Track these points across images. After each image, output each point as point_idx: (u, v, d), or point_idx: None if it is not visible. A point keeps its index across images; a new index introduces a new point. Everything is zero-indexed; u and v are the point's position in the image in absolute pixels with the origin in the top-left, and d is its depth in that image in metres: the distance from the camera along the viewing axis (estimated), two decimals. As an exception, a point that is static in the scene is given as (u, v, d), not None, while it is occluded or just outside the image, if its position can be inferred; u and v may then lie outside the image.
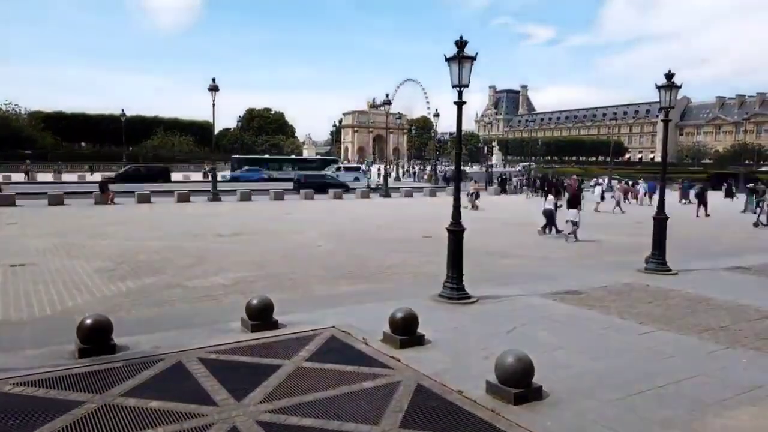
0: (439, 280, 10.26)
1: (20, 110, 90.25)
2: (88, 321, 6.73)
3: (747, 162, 74.28)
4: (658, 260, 12.92)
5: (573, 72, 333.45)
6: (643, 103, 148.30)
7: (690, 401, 5.66)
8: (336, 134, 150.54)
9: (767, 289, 11.13)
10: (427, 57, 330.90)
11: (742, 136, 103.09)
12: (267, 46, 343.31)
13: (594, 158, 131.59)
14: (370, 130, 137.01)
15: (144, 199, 29.70)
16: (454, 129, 10.40)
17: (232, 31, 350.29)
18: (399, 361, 6.66)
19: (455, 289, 9.78)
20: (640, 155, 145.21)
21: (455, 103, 9.71)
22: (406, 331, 7.27)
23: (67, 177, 50.09)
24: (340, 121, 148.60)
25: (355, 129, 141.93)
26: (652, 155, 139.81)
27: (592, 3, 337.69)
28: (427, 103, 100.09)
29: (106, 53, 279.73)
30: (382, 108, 74.55)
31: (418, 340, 7.31)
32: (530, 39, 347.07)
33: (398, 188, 43.10)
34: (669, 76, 12.76)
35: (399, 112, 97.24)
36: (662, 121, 13.37)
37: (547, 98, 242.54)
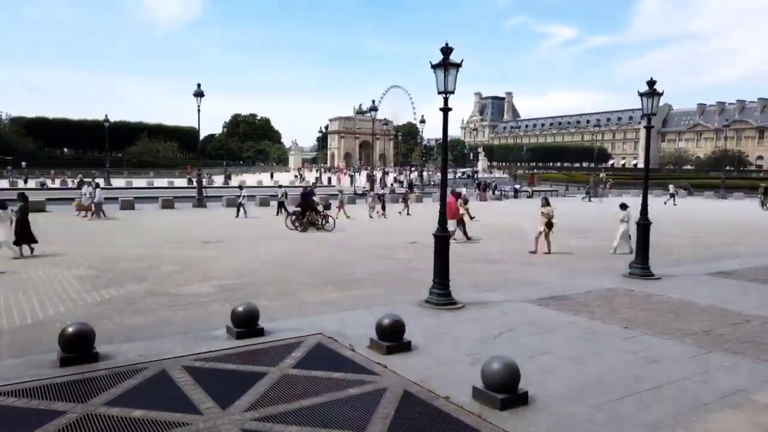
0: (425, 286, 10.27)
1: (1, 116, 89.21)
2: (70, 329, 6.62)
3: (727, 168, 75.36)
4: (641, 265, 13.04)
5: (582, 74, 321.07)
6: (626, 110, 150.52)
7: (674, 405, 5.71)
8: (322, 140, 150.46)
9: (749, 294, 11.28)
10: (428, 58, 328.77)
11: (722, 143, 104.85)
12: (255, 49, 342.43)
13: (578, 164, 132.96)
14: (357, 136, 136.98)
15: (128, 205, 29.44)
16: (441, 135, 10.39)
17: (221, 33, 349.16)
18: (386, 367, 6.65)
19: (442, 295, 9.78)
20: (623, 161, 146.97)
21: (441, 109, 9.74)
22: (392, 337, 7.26)
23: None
24: (327, 127, 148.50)
25: (342, 135, 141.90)
26: (634, 161, 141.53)
27: (622, 0, 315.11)
28: (414, 109, 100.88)
29: (91, 55, 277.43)
30: (368, 114, 74.43)
31: (405, 347, 7.30)
32: (548, 39, 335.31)
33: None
34: (651, 83, 12.94)
35: (385, 118, 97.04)
36: (645, 127, 13.55)
37: (547, 103, 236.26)
